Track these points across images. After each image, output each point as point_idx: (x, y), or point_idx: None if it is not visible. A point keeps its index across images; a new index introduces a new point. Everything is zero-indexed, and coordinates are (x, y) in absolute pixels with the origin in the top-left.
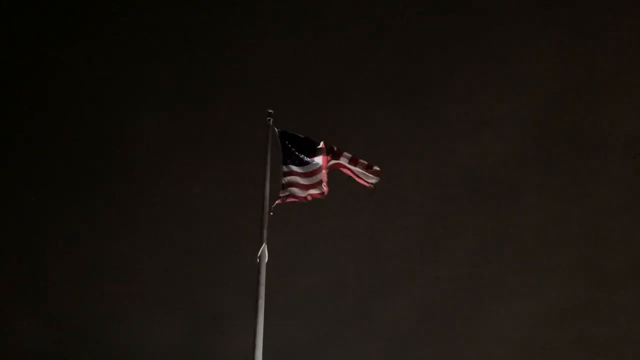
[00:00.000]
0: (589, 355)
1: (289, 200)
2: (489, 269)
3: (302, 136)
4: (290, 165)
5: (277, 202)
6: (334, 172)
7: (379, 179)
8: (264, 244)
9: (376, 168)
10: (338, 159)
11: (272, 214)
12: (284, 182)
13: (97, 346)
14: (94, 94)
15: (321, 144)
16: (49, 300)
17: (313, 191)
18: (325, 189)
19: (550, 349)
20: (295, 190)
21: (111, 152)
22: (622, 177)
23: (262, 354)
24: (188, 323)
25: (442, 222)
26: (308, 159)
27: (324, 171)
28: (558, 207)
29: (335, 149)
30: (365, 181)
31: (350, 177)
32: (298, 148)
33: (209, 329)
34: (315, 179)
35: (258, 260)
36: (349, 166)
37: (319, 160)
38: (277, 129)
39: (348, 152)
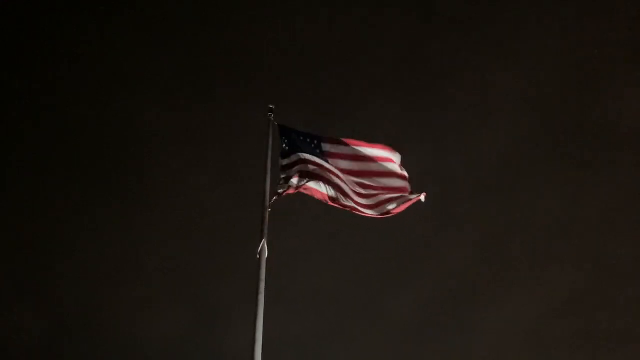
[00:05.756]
0: (595, 347)
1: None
2: (495, 260)
3: (303, 131)
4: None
5: (274, 197)
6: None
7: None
8: (263, 240)
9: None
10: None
11: (270, 209)
12: (284, 175)
13: (98, 339)
14: (97, 86)
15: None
16: (49, 292)
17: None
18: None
19: (556, 340)
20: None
21: (113, 146)
22: (631, 169)
23: (265, 349)
24: (190, 316)
25: (447, 214)
26: (317, 151)
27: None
28: (565, 198)
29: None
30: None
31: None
32: (305, 139)
33: (211, 323)
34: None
35: (258, 257)
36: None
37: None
38: (277, 123)
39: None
